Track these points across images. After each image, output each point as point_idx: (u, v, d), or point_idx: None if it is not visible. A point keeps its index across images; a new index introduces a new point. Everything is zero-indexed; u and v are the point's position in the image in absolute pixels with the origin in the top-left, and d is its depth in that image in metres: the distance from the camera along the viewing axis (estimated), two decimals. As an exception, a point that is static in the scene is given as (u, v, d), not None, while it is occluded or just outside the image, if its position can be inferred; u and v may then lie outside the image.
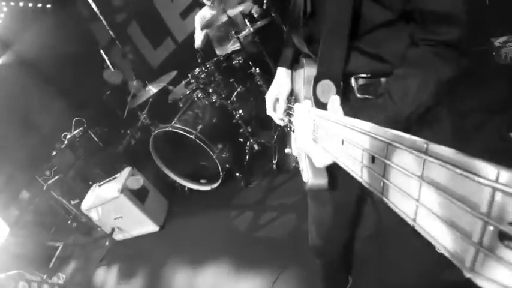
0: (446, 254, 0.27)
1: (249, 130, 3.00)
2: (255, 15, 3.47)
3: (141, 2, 5.02)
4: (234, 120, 2.99)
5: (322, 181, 0.88)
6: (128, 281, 2.88)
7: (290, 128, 1.11)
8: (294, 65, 1.13)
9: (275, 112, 1.16)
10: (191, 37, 4.00)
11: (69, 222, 4.03)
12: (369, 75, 0.86)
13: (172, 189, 3.42)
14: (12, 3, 4.62)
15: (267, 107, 1.17)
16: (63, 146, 3.66)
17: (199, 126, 2.85)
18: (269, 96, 1.16)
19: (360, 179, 0.44)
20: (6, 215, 3.90)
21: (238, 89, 3.08)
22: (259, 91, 3.10)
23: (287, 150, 1.19)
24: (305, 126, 0.72)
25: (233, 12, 2.96)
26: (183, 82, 3.23)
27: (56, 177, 3.78)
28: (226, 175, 2.94)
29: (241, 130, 3.06)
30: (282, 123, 1.17)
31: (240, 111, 2.95)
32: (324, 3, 0.81)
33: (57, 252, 3.99)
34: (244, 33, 3.11)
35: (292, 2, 1.00)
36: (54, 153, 3.79)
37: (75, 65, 4.89)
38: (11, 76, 4.72)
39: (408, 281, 1.23)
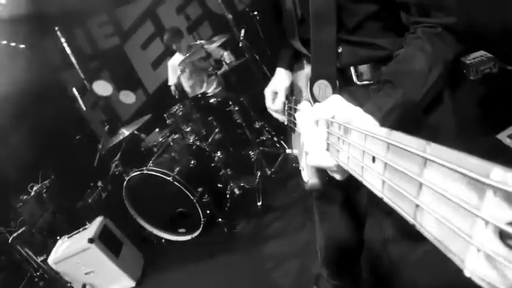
0: (447, 254, 0.27)
1: (229, 173, 2.88)
2: (227, 61, 3.27)
3: (113, 51, 5.02)
4: (213, 164, 2.86)
5: (323, 181, 0.87)
6: None
7: (291, 127, 1.14)
8: (294, 65, 1.15)
9: (273, 104, 1.17)
10: (163, 86, 3.93)
11: (36, 280, 3.67)
12: (367, 65, 0.87)
13: (149, 241, 3.17)
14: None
15: (266, 100, 1.20)
16: (29, 197, 3.40)
17: (177, 169, 2.71)
18: (268, 91, 1.19)
19: (360, 178, 0.44)
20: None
21: (217, 130, 2.99)
22: (237, 133, 3.01)
23: (288, 151, 1.21)
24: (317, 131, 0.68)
25: (210, 48, 2.91)
26: (156, 129, 3.11)
27: (22, 229, 3.48)
28: (207, 222, 2.76)
29: (220, 173, 2.93)
30: (280, 118, 1.19)
31: (219, 154, 2.84)
32: (309, 4, 0.82)
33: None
34: (220, 72, 3.07)
35: (284, 10, 1.01)
36: (20, 204, 3.52)
37: (44, 109, 4.69)
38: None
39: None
